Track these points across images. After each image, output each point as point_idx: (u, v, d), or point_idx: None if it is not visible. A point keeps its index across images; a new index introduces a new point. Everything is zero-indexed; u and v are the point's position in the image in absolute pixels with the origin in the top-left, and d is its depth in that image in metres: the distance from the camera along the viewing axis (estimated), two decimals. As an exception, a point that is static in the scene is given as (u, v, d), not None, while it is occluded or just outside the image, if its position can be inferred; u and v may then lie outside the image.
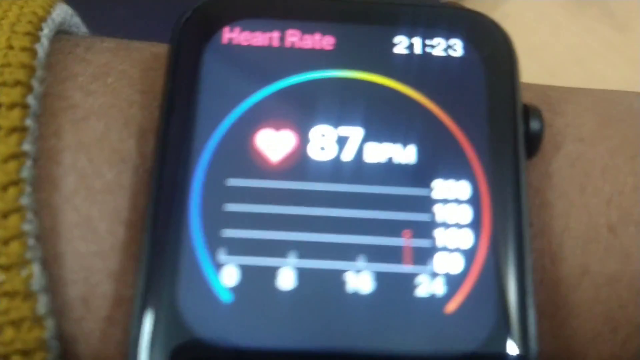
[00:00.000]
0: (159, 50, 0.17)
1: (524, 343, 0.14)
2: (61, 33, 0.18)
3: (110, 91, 0.16)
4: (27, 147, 0.15)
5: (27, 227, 0.15)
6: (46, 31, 0.16)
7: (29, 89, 0.15)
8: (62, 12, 0.17)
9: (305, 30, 0.16)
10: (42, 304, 0.15)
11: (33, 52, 0.16)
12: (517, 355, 0.14)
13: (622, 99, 0.18)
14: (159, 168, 0.15)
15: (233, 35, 0.16)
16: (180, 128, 0.15)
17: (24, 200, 0.15)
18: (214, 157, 0.15)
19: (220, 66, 0.16)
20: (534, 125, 0.16)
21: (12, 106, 0.15)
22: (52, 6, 0.17)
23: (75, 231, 0.15)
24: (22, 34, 0.16)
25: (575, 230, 0.16)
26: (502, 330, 0.14)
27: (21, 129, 0.15)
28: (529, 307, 0.14)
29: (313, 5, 0.17)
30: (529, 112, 0.16)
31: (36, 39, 0.16)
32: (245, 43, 0.16)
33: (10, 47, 0.16)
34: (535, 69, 0.43)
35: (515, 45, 0.17)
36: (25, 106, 0.15)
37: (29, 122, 0.15)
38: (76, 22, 0.18)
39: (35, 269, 0.15)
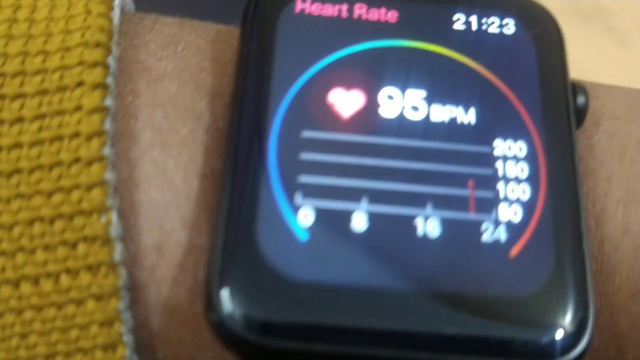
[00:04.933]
0: (221, 27, 0.18)
1: (581, 284, 0.15)
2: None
3: (181, 58, 0.17)
4: (108, 102, 0.16)
5: (108, 176, 0.15)
6: (117, 1, 0.17)
7: (109, 50, 0.16)
8: None
9: (371, 5, 0.18)
10: (118, 252, 0.15)
11: (109, 18, 0.17)
12: (576, 296, 0.15)
13: None
14: (238, 117, 0.16)
15: (305, 5, 0.18)
16: (258, 83, 0.16)
17: (106, 151, 0.15)
18: (289, 111, 0.16)
19: (294, 32, 0.17)
20: (580, 99, 0.17)
21: (94, 65, 0.16)
22: None
23: (152, 181, 0.16)
24: (97, 2, 0.17)
25: (616, 194, 0.17)
26: (562, 273, 0.15)
27: (103, 86, 0.16)
28: (584, 252, 0.15)
29: None
30: (575, 87, 0.18)
31: (110, 7, 0.17)
32: (316, 13, 0.17)
33: (89, 12, 0.16)
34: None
35: (561, 26, 0.19)
36: (105, 65, 0.16)
37: (109, 80, 0.16)
38: (130, 2, 0.19)
39: (114, 217, 0.15)
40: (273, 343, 0.14)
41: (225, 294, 0.15)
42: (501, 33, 0.18)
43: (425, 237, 0.15)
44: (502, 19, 0.18)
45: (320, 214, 0.15)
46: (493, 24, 0.18)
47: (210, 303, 0.15)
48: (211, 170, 0.16)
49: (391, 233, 0.15)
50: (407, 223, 0.15)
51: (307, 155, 0.16)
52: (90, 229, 0.15)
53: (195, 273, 0.16)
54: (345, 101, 0.17)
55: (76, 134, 0.15)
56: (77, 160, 0.15)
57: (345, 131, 0.16)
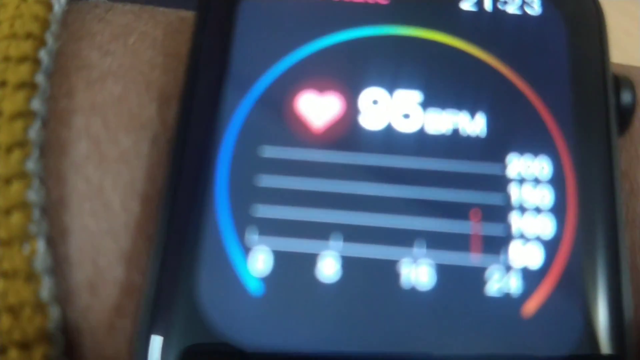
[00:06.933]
0: (187, 15, 0.16)
1: (619, 349, 0.12)
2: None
3: (131, 52, 0.15)
4: (36, 105, 0.14)
5: (32, 196, 0.13)
6: None
7: (42, 42, 0.14)
8: None
9: None
10: (45, 288, 0.13)
11: (48, 6, 0.15)
12: None
13: None
14: (182, 133, 0.14)
15: None
16: (209, 89, 0.14)
17: (30, 165, 0.13)
18: (247, 123, 0.14)
19: (257, 20, 0.15)
20: (625, 97, 0.14)
21: (21, 60, 0.14)
22: None
23: (85, 204, 0.14)
24: None
25: None
26: (591, 338, 0.12)
27: (30, 86, 0.14)
28: (625, 310, 0.12)
29: None
30: (619, 82, 0.14)
31: None
32: None
33: None
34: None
35: (602, 5, 0.15)
36: (36, 61, 0.14)
37: (39, 78, 0.14)
38: None
39: (40, 245, 0.13)
40: None
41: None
42: (523, 15, 0.15)
43: (413, 288, 0.12)
44: None
45: (279, 258, 0.13)
46: (513, 3, 0.15)
47: None
48: (157, 192, 0.14)
49: (369, 284, 0.13)
50: (390, 269, 0.13)
51: (265, 180, 0.13)
52: (9, 262, 0.13)
53: (136, 318, 0.14)
54: (318, 108, 0.14)
55: None
56: None
57: (315, 148, 0.13)
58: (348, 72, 0.14)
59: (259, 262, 0.13)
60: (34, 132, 0.14)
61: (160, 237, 0.13)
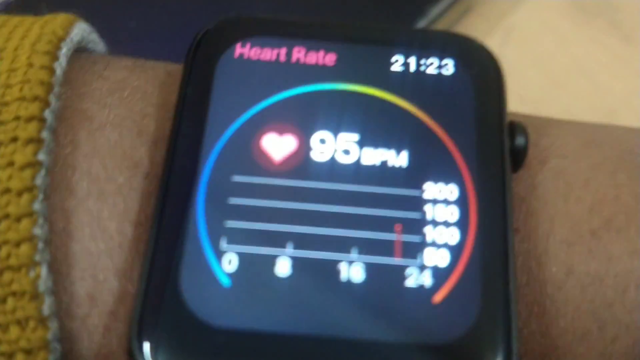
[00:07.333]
0: (173, 68, 0.19)
1: (505, 334, 0.15)
2: (80, 50, 0.19)
3: (125, 104, 0.17)
4: (42, 157, 0.16)
5: (37, 231, 0.15)
6: (65, 50, 0.17)
7: (47, 104, 0.16)
8: (80, 31, 0.18)
9: (310, 48, 0.18)
10: (47, 305, 0.15)
11: (51, 70, 0.17)
12: (499, 344, 0.15)
13: (602, 127, 0.19)
14: (169, 165, 0.16)
15: (244, 50, 0.18)
16: (192, 128, 0.17)
17: (37, 206, 0.15)
18: (221, 156, 0.16)
19: (231, 77, 0.17)
20: (519, 140, 0.17)
21: (30, 119, 0.16)
22: (71, 25, 0.18)
23: (86, 231, 0.16)
24: (41, 53, 0.17)
25: (560, 234, 0.17)
26: (486, 320, 0.15)
27: (37, 140, 0.16)
28: (511, 300, 0.15)
29: (317, 25, 0.19)
30: (515, 127, 0.17)
31: (55, 57, 0.17)
32: (255, 57, 0.18)
33: (31, 65, 0.17)
34: (540, 80, 0.43)
35: (502, 65, 0.18)
36: (42, 120, 0.16)
37: (44, 134, 0.16)
38: (94, 39, 0.20)
39: (43, 271, 0.15)
40: None
41: (145, 343, 0.15)
42: (439, 74, 0.18)
43: (348, 282, 0.15)
44: (441, 59, 0.18)
45: (244, 259, 0.16)
46: (432, 65, 0.18)
47: (130, 352, 0.15)
48: (146, 217, 0.16)
49: (314, 278, 0.15)
50: (331, 268, 0.16)
51: (235, 200, 0.16)
52: (18, 285, 0.15)
53: (128, 320, 0.16)
54: (278, 146, 0.17)
55: (7, 190, 0.15)
56: (6, 216, 0.15)
57: (275, 176, 0.16)
58: (302, 118, 0.17)
59: (229, 262, 0.15)
60: (40, 179, 0.16)
61: (151, 246, 0.15)
